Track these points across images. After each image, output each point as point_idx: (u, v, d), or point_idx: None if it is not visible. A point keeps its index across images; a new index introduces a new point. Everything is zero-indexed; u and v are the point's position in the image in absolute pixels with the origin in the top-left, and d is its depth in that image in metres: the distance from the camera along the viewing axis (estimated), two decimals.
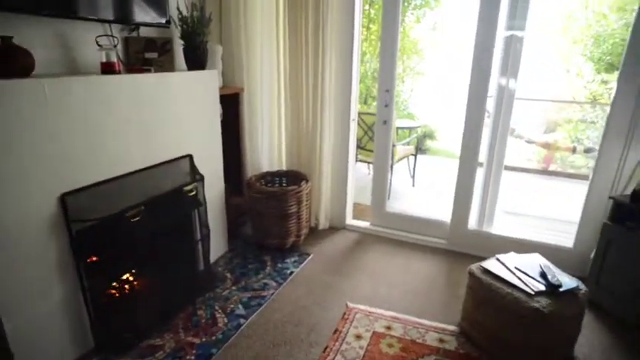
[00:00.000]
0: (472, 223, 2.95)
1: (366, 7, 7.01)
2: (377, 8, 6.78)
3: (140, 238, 1.89)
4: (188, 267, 2.46)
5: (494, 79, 2.69)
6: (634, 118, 2.36)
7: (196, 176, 2.33)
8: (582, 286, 1.87)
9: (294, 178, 3.02)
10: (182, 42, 2.31)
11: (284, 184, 3.07)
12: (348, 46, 2.88)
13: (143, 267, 2.10)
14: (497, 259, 2.05)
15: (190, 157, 2.31)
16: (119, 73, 1.87)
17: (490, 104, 2.79)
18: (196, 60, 2.36)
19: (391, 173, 3.84)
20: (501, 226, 3.06)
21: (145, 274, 2.14)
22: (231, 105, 2.89)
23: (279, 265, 2.70)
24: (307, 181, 2.88)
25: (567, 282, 1.84)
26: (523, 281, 1.85)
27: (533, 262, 2.00)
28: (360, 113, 3.88)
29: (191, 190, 2.22)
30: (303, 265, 2.71)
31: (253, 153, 3.02)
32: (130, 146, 1.89)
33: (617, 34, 6.23)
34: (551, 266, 1.98)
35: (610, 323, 2.19)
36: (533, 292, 1.78)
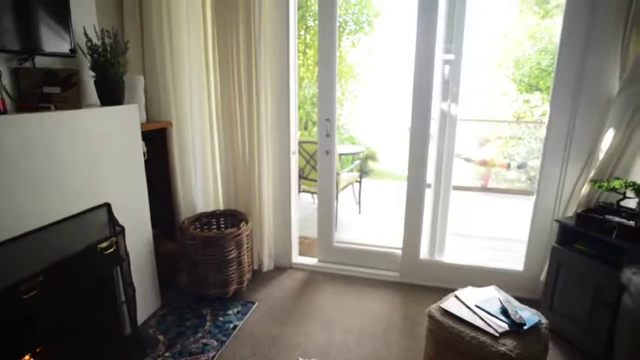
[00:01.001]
0: (424, 252, 2.85)
1: (302, 32, 6.99)
2: (313, 34, 6.78)
3: (41, 314, 1.52)
4: (111, 335, 2.07)
5: (436, 101, 2.65)
6: (568, 140, 2.41)
7: (116, 228, 1.99)
8: (543, 319, 1.78)
9: (232, 218, 2.75)
10: (93, 74, 2.00)
11: (222, 226, 2.79)
12: (284, 75, 2.72)
13: (52, 343, 1.70)
14: (456, 297, 1.92)
15: (107, 206, 1.97)
16: (4, 112, 1.53)
17: (433, 126, 2.73)
18: (111, 94, 2.05)
19: (337, 203, 3.70)
20: (453, 253, 3.00)
21: (56, 351, 1.74)
22: (158, 141, 2.59)
23: (221, 319, 2.39)
24: (247, 221, 2.62)
25: (529, 317, 1.75)
26: (486, 321, 1.73)
27: (492, 297, 1.90)
28: (300, 142, 3.73)
29: (109, 247, 1.88)
30: (247, 316, 2.42)
31: (186, 193, 2.71)
32: (20, 202, 1.53)
33: (533, 58, 6.74)
34: (510, 299, 1.89)
35: (570, 352, 2.14)
36: (497, 334, 1.65)
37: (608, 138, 2.21)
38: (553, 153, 2.45)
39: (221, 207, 2.90)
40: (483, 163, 5.32)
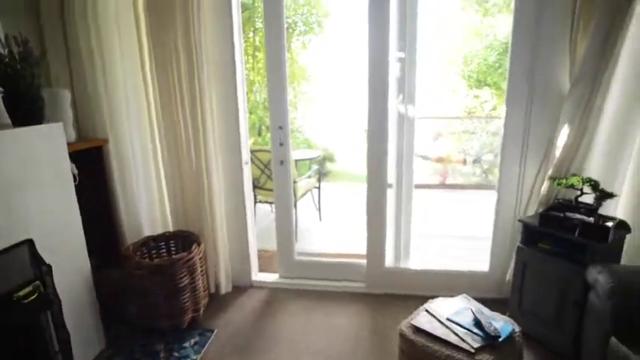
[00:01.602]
0: (389, 259, 2.75)
1: (251, 34, 6.77)
2: (262, 35, 6.57)
3: None
4: None
5: (392, 100, 2.56)
6: (525, 137, 2.39)
7: (41, 267, 1.72)
8: (516, 327, 1.73)
9: (183, 240, 2.52)
10: (1, 89, 1.72)
11: (172, 250, 2.55)
12: (230, 81, 2.53)
13: None
14: (427, 311, 1.82)
15: (29, 243, 1.70)
16: None
17: (391, 125, 2.63)
18: (27, 111, 1.77)
19: (295, 213, 3.55)
20: (418, 258, 2.93)
21: None
22: (93, 161, 2.31)
23: (176, 354, 2.16)
24: (199, 243, 2.41)
25: (503, 327, 1.68)
26: (460, 337, 1.64)
27: (463, 308, 1.82)
28: (253, 151, 3.54)
29: (32, 292, 1.61)
30: (206, 347, 2.21)
31: (130, 215, 2.45)
32: None
33: (480, 54, 6.92)
34: (482, 309, 1.82)
35: (542, 353, 2.11)
36: (473, 350, 1.57)
37: (563, 135, 2.21)
38: (511, 150, 2.43)
39: (170, 228, 2.66)
40: (440, 160, 5.36)
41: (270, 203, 3.94)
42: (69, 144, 2.03)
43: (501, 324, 1.71)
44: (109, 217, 2.42)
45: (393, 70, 2.51)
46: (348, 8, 7.05)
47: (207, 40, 2.41)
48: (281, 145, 2.62)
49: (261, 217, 4.07)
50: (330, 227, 4.08)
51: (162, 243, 2.53)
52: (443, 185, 5.39)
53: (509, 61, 2.36)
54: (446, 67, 7.17)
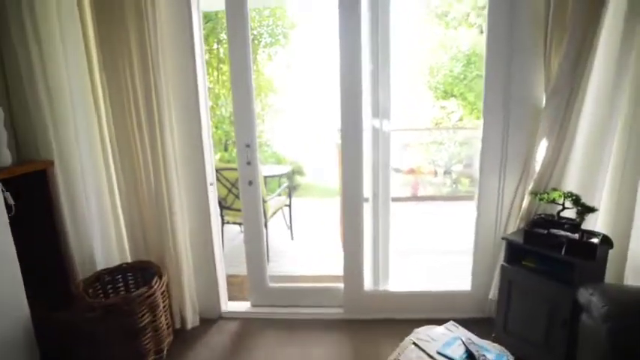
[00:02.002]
0: (368, 281, 2.60)
1: (215, 45, 6.55)
2: (227, 47, 6.38)
3: None
4: None
5: (366, 114, 2.44)
6: (504, 150, 2.33)
7: None
8: (510, 357, 1.61)
9: (143, 272, 2.27)
10: None
11: (130, 284, 2.29)
12: (192, 95, 2.33)
13: None
14: (415, 344, 1.68)
15: None
16: None
17: (366, 139, 2.50)
18: None
19: (266, 235, 3.36)
20: (398, 277, 2.79)
21: None
22: (35, 187, 2.03)
23: None
24: (161, 275, 2.17)
25: (496, 358, 1.56)
26: None
27: (453, 339, 1.69)
28: (219, 170, 3.32)
29: None
30: None
31: (81, 247, 2.16)
32: None
33: (446, 66, 7.02)
34: (472, 337, 1.70)
35: None
36: None
37: (542, 149, 2.15)
38: (490, 164, 2.36)
39: (128, 258, 2.39)
40: (412, 172, 5.32)
41: (240, 224, 3.72)
42: (3, 169, 1.77)
43: (494, 355, 1.59)
44: (57, 249, 2.14)
45: (366, 84, 2.40)
46: (314, 20, 6.98)
47: (166, 53, 2.21)
48: (249, 164, 2.43)
49: (229, 239, 3.84)
50: (303, 246, 3.90)
51: (119, 276, 2.27)
52: (415, 197, 5.34)
53: (484, 73, 2.30)
54: (413, 79, 7.22)
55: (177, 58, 2.28)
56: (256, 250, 2.62)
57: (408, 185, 5.46)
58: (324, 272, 3.22)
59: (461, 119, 6.78)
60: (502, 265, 2.17)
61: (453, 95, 6.78)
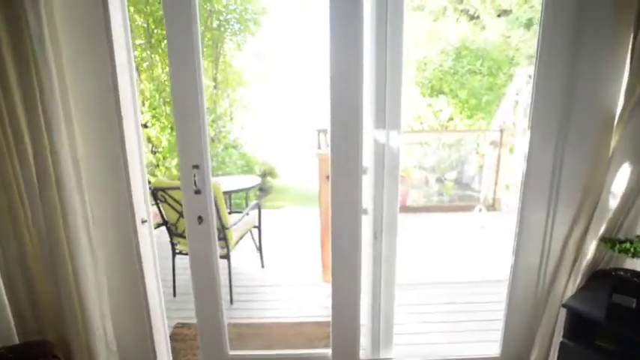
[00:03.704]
0: (365, 347, 1.92)
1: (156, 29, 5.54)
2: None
3: None
4: None
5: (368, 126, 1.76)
6: (555, 177, 1.68)
7: None
8: None
9: (33, 358, 1.49)
10: None
11: None
12: (109, 92, 1.55)
13: None
14: None
15: None
16: None
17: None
18: None
19: (229, 266, 2.64)
20: (402, 335, 2.12)
21: None
22: None
23: None
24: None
25: None
26: None
27: None
28: (165, 189, 2.54)
29: None
30: None
31: None
32: None
33: (435, 60, 6.37)
34: None
35: None
36: None
37: (619, 177, 1.52)
38: (535, 193, 1.72)
39: (14, 338, 1.59)
40: (401, 180, 4.66)
41: None
42: None
43: None
44: None
45: (366, 84, 1.70)
46: (288, 3, 6.20)
47: (60, 42, 1.43)
48: (197, 192, 1.67)
49: (183, 272, 3.04)
50: (276, 276, 3.17)
51: None
52: (404, 208, 4.69)
53: (534, 72, 1.63)
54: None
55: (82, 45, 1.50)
56: (210, 320, 1.87)
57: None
58: (304, 314, 2.56)
59: (451, 119, 6.16)
60: (562, 342, 1.52)
61: (442, 92, 6.14)
